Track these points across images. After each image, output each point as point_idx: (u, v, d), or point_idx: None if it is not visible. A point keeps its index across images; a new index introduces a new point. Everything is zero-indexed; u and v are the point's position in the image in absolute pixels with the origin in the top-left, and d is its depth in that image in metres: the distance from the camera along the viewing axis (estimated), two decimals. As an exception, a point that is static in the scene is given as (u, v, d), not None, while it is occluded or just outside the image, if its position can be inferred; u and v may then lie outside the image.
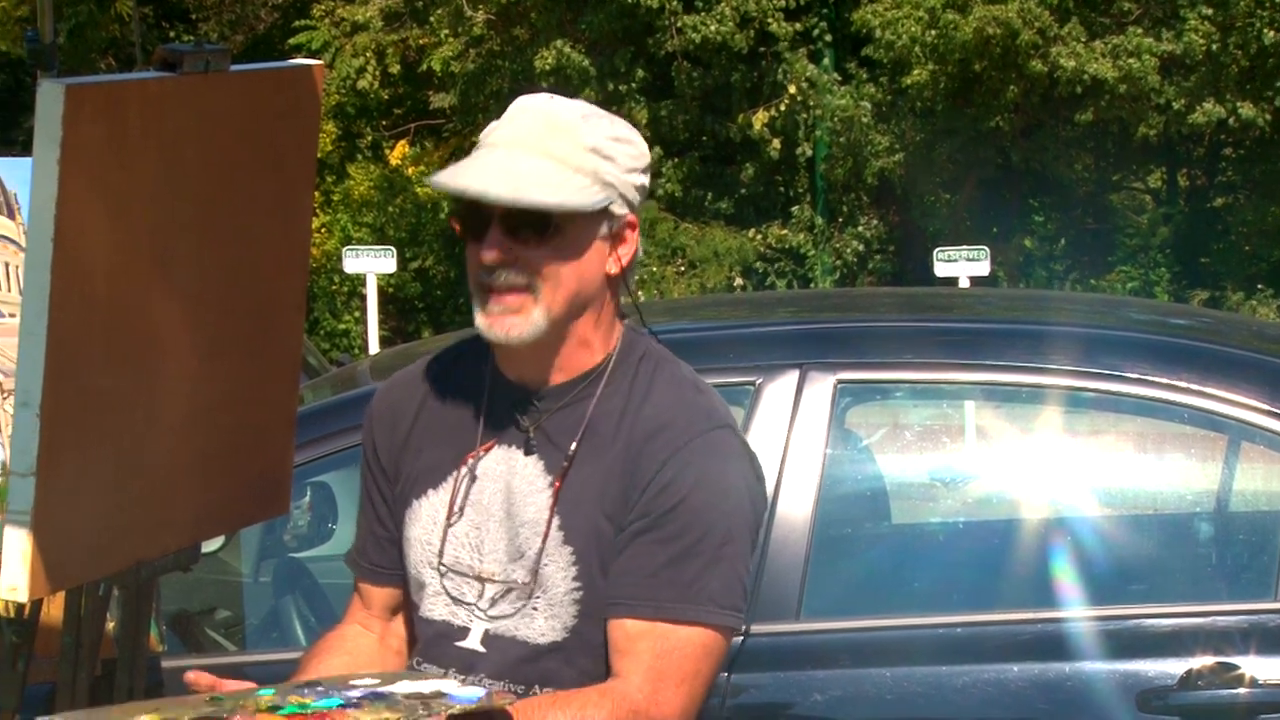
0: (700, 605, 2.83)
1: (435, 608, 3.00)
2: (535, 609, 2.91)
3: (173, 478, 3.03)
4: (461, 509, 2.97)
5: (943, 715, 4.05)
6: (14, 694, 3.08)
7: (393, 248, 20.26)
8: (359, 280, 21.86)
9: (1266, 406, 4.21)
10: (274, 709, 2.58)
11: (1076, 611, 4.15)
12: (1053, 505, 4.68)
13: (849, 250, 24.29)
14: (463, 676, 2.92)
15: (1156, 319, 5.73)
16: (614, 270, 2.92)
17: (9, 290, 3.63)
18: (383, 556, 3.13)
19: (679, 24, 23.20)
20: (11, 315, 3.57)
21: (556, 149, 2.85)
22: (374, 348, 19.37)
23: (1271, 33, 20.88)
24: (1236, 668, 3.99)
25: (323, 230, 26.77)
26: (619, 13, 23.22)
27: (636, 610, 2.84)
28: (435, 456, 3.02)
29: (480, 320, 2.88)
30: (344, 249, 20.57)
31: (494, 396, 2.98)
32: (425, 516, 3.01)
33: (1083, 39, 21.43)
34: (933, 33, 21.54)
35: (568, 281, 2.87)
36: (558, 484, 2.90)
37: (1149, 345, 4.48)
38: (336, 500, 6.03)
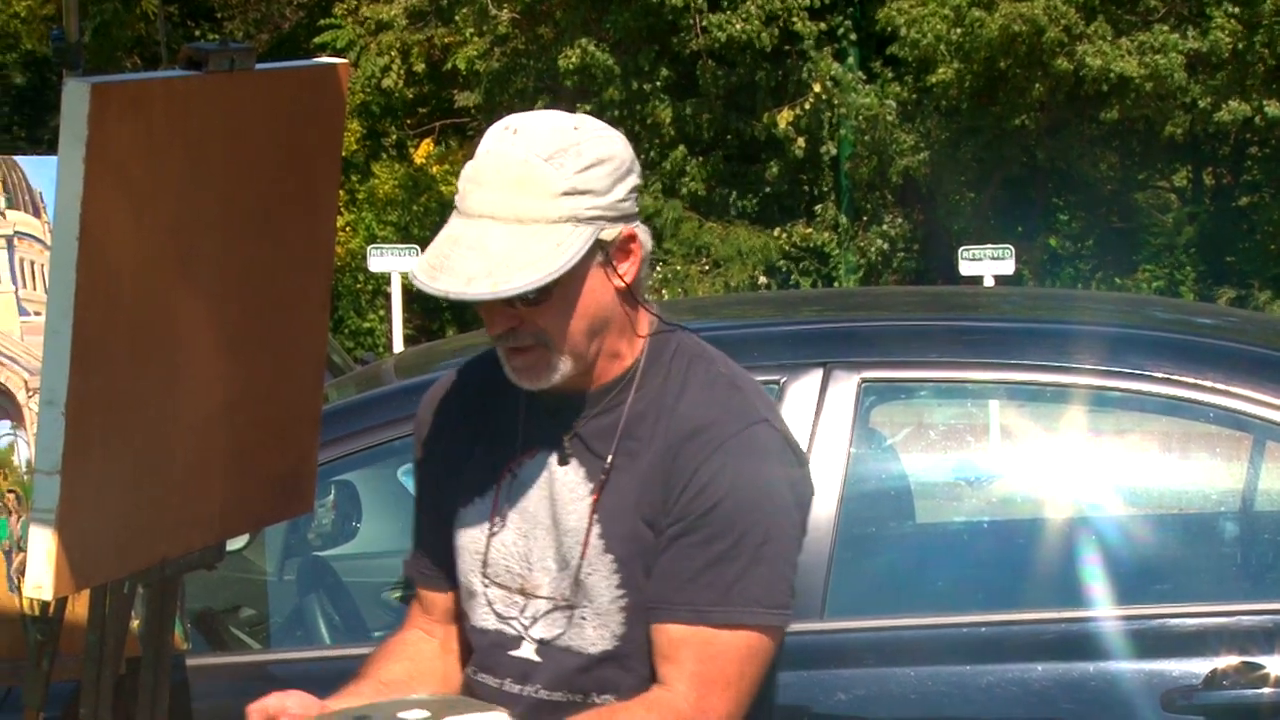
0: (742, 607, 2.81)
1: (487, 618, 3.00)
2: (584, 619, 2.90)
3: (197, 476, 3.04)
4: (504, 517, 2.96)
5: (966, 715, 4.05)
6: (39, 692, 3.08)
7: (417, 246, 20.26)
8: (383, 279, 21.90)
9: (1292, 406, 4.20)
10: None
11: (1101, 611, 4.15)
12: (1077, 505, 4.67)
13: (873, 249, 24.28)
14: (519, 687, 2.93)
15: (1182, 318, 5.72)
16: (623, 285, 2.89)
17: (34, 288, 3.64)
18: (439, 563, 3.12)
19: (704, 23, 23.20)
20: (37, 313, 3.58)
21: (528, 211, 2.79)
22: (398, 346, 19.41)
23: (1297, 31, 20.85)
24: (1262, 667, 3.99)
25: (347, 229, 26.81)
26: (643, 11, 23.22)
27: (677, 615, 2.82)
28: (479, 463, 3.02)
29: (508, 370, 2.89)
30: (369, 248, 20.64)
31: (532, 403, 2.96)
32: (471, 526, 3.00)
33: (1109, 36, 21.40)
34: (958, 30, 21.52)
35: (578, 322, 2.85)
36: (596, 494, 2.88)
37: (1174, 345, 4.47)
38: (360, 499, 6.03)
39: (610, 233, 2.84)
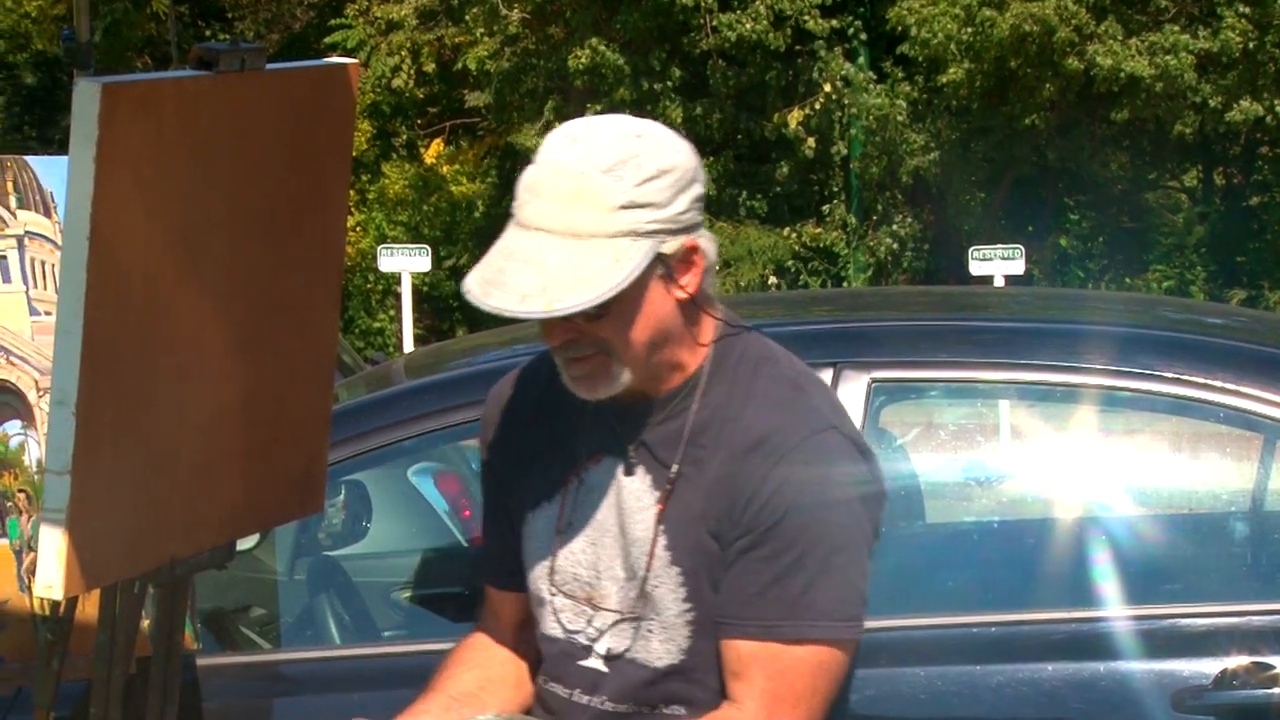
0: (810, 621, 2.75)
1: (556, 626, 2.95)
2: (650, 632, 2.84)
3: (207, 475, 3.04)
4: (572, 524, 2.90)
5: (976, 714, 4.05)
6: (49, 691, 3.09)
7: (427, 246, 20.33)
8: (394, 279, 21.95)
9: (1303, 406, 4.20)
10: None
11: (1111, 611, 4.14)
12: (1087, 505, 4.67)
13: (883, 249, 24.29)
14: (587, 698, 2.89)
15: (1192, 318, 5.72)
16: (684, 296, 2.81)
17: (45, 288, 3.64)
18: (508, 566, 3.07)
19: (714, 23, 23.21)
20: (47, 313, 3.58)
21: (585, 225, 2.70)
22: (408, 346, 19.43)
23: (1310, 30, 20.84)
24: (1272, 668, 3.98)
25: (357, 229, 26.86)
26: (654, 11, 23.23)
27: (746, 630, 2.76)
28: (544, 469, 2.96)
29: (566, 379, 2.82)
30: (379, 247, 20.66)
31: (598, 408, 2.89)
32: (539, 531, 2.95)
33: (1119, 36, 21.40)
34: (969, 30, 21.52)
35: (639, 334, 2.77)
36: (661, 503, 2.82)
37: (1185, 345, 4.46)
38: (370, 499, 6.04)
39: (671, 245, 2.75)
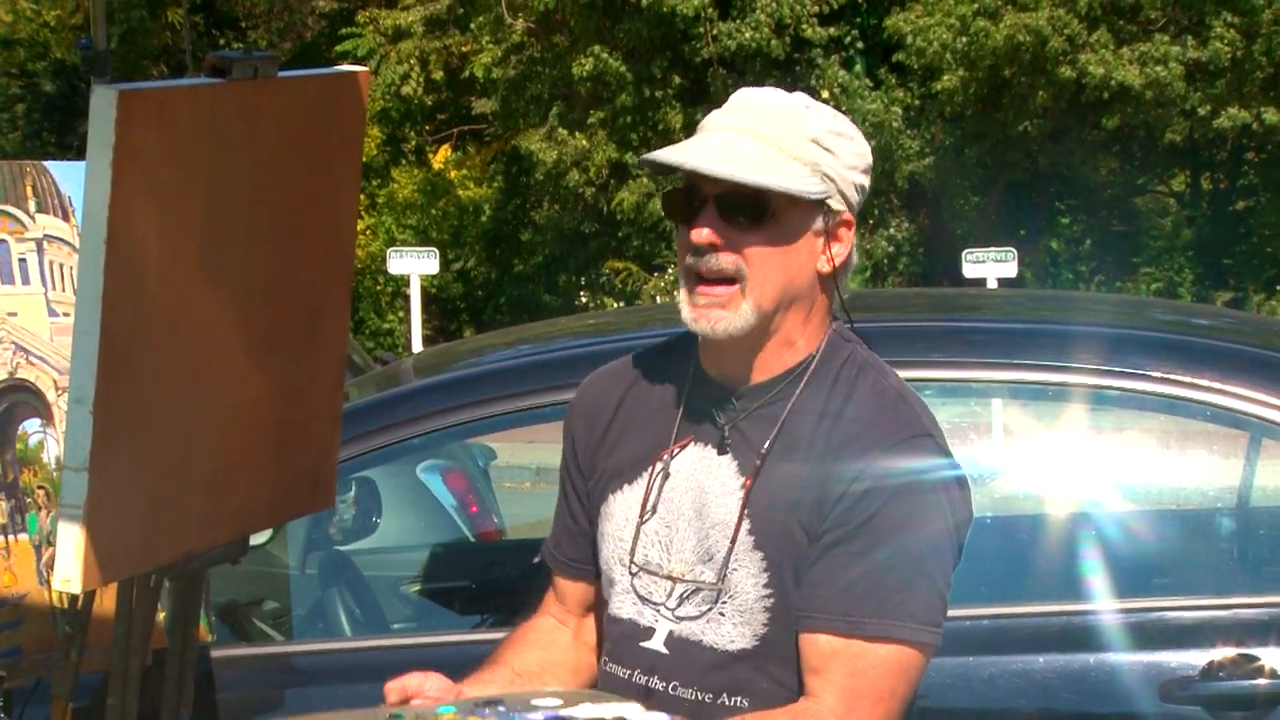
0: (898, 621, 2.69)
1: (624, 606, 2.90)
2: (723, 614, 2.79)
3: (221, 472, 3.04)
4: (654, 506, 2.86)
5: (970, 705, 4.05)
6: (68, 682, 3.09)
7: (435, 249, 20.32)
8: (403, 281, 21.93)
9: (1288, 405, 4.21)
10: None
11: (1101, 604, 4.15)
12: (1078, 501, 4.68)
13: (879, 251, 24.24)
14: (648, 686, 2.84)
15: (1180, 319, 5.72)
16: (826, 269, 2.80)
17: (64, 290, 3.64)
18: (577, 551, 3.06)
19: (714, 31, 23.17)
20: (66, 314, 3.58)
21: (776, 136, 2.75)
22: (417, 346, 19.42)
23: (1294, 40, 20.84)
24: (1257, 659, 3.99)
25: (368, 232, 26.84)
26: (656, 20, 23.19)
27: (831, 626, 2.70)
28: (631, 452, 2.93)
29: (687, 313, 2.79)
30: (388, 250, 20.64)
31: (694, 393, 2.88)
32: (619, 513, 2.92)
33: (1111, 46, 21.38)
34: (964, 39, 21.51)
35: (777, 273, 2.76)
36: (749, 484, 2.78)
37: (1173, 345, 4.47)
38: (380, 495, 6.05)
39: (837, 205, 2.79)
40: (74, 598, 3.00)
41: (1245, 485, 4.92)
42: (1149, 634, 4.06)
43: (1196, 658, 4.00)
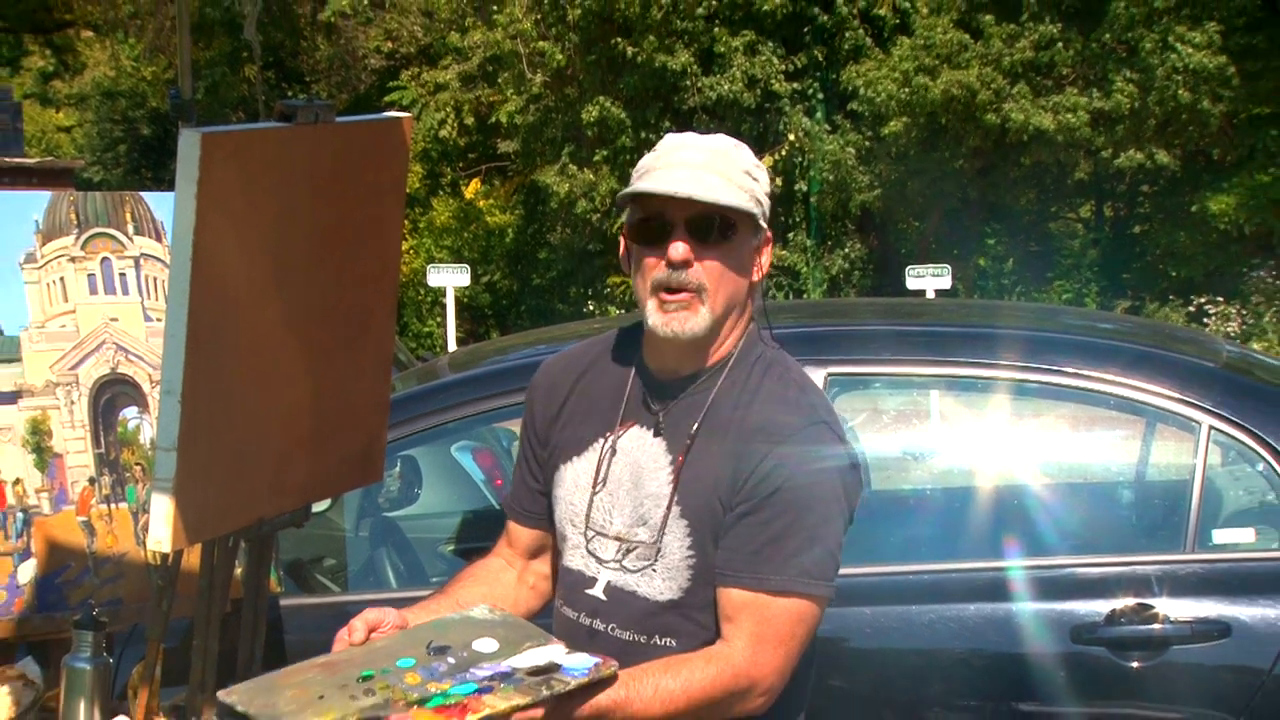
0: (795, 578, 2.71)
1: (574, 559, 2.92)
2: (654, 571, 2.81)
3: (287, 451, 3.03)
4: (605, 478, 2.87)
5: (912, 646, 4.04)
6: (160, 625, 3.08)
7: (467, 265, 20.28)
8: (440, 292, 21.88)
9: (1177, 395, 4.20)
10: (422, 702, 2.51)
11: (1022, 561, 4.14)
12: (1003, 475, 4.66)
13: (836, 267, 24.26)
14: (592, 628, 2.85)
15: (1087, 324, 5.71)
16: (756, 278, 2.85)
17: (157, 299, 3.63)
18: (533, 504, 3.06)
19: (699, 84, 23.19)
20: (158, 320, 3.57)
21: (724, 168, 2.77)
22: (452, 346, 19.40)
23: (1184, 93, 20.82)
24: (1152, 607, 3.98)
25: (410, 252, 26.83)
26: (650, 75, 23.22)
27: (741, 582, 2.73)
28: (581, 430, 2.94)
29: (656, 319, 2.79)
30: (428, 266, 20.61)
31: (636, 382, 2.89)
32: (569, 480, 2.93)
33: (1029, 97, 21.38)
34: (906, 91, 21.51)
35: (728, 284, 2.79)
36: (679, 464, 2.80)
37: (1081, 345, 4.46)
38: (421, 470, 6.03)
39: (763, 224, 2.83)
40: (165, 556, 2.99)
41: (1142, 462, 4.91)
42: (1062, 586, 4.05)
43: (1101, 606, 4.00)
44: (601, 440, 2.90)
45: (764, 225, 2.84)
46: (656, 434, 2.85)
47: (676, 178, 2.75)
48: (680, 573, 2.80)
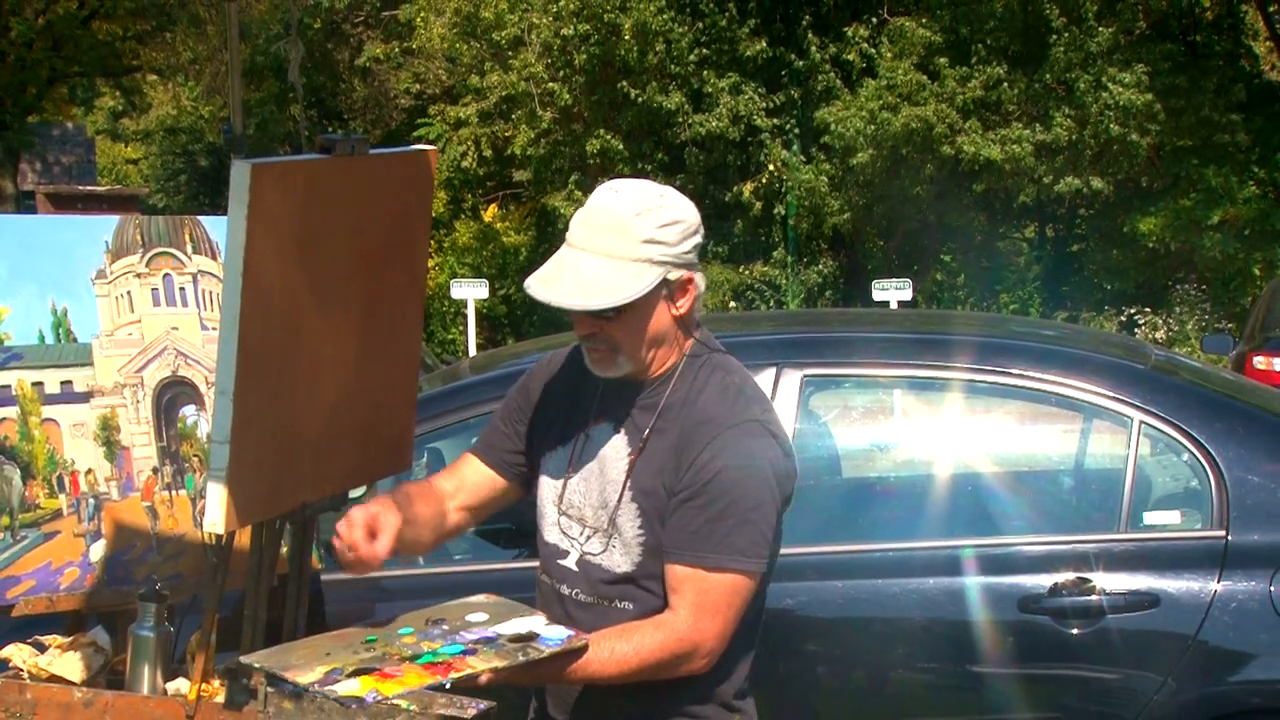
0: (730, 555, 2.73)
1: (552, 534, 2.93)
2: (613, 547, 2.84)
3: (327, 444, 3.03)
4: (577, 466, 2.90)
5: (879, 615, 4.04)
6: (215, 597, 3.07)
7: (486, 280, 20.28)
8: (462, 303, 21.88)
9: (1111, 394, 4.20)
10: (414, 658, 2.55)
11: (975, 540, 4.14)
12: (958, 464, 4.66)
13: (811, 281, 24.28)
14: (562, 593, 2.89)
15: (1031, 331, 5.70)
16: (678, 314, 2.82)
17: (212, 310, 3.63)
18: (499, 444, 3.05)
19: (689, 121, 23.21)
20: (213, 329, 3.57)
21: (616, 249, 2.72)
22: (472, 351, 19.41)
23: (1115, 127, 20.86)
24: (1090, 581, 3.98)
25: (435, 268, 26.85)
26: (646, 112, 23.26)
27: (683, 558, 2.75)
28: (562, 423, 2.95)
29: (587, 362, 2.86)
30: (451, 281, 20.61)
31: (607, 385, 2.89)
32: (552, 466, 2.95)
33: (980, 131, 21.42)
34: (872, 127, 21.54)
35: (639, 336, 2.79)
36: (634, 456, 2.83)
37: (1026, 349, 4.45)
38: (446, 461, 6.00)
39: (675, 275, 2.78)
40: (219, 537, 2.98)
41: (1081, 453, 4.90)
42: (1010, 562, 4.05)
43: (1045, 580, 4.00)
44: (580, 433, 2.93)
45: (678, 272, 2.78)
46: (619, 429, 2.87)
47: (561, 276, 2.74)
48: (633, 548, 2.83)
